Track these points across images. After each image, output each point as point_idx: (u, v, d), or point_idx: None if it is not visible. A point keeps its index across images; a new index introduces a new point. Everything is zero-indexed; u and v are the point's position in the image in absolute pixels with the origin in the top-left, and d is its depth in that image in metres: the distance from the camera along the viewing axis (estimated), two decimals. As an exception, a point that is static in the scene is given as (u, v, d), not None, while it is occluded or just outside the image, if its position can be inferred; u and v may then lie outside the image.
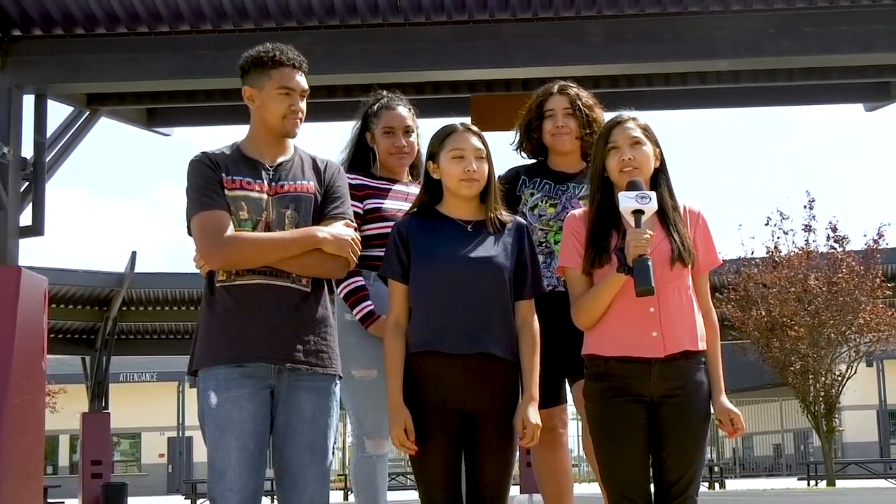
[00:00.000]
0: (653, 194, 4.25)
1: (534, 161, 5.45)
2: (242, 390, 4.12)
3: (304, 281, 4.23)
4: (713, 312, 4.39)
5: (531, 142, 5.40)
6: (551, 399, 5.18)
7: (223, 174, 4.23)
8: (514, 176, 5.33)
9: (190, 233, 4.24)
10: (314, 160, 4.42)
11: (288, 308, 4.18)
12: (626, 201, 4.22)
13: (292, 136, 4.33)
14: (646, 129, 4.40)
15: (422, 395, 4.27)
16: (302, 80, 4.32)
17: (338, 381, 4.33)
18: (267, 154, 4.32)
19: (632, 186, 4.27)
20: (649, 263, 4.10)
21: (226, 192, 4.21)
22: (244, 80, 4.34)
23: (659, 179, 4.40)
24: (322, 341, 4.24)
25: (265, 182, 4.26)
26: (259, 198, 4.23)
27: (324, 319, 4.28)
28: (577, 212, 4.50)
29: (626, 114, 4.48)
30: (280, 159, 4.32)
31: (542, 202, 5.22)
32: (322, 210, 4.31)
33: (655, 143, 4.40)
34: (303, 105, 4.33)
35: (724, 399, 4.28)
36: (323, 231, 4.21)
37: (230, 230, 4.13)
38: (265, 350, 4.13)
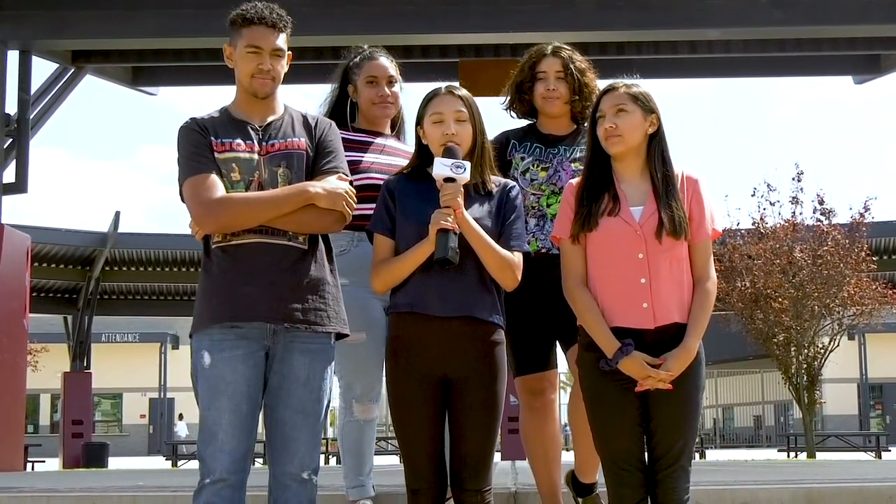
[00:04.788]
0: (468, 165, 4.26)
1: (523, 124, 5.39)
2: (237, 351, 4.08)
3: (301, 238, 4.19)
4: (708, 281, 4.31)
5: (523, 103, 5.34)
6: (542, 363, 5.16)
7: (212, 138, 4.20)
8: (503, 141, 5.27)
9: (183, 199, 4.18)
10: (305, 117, 4.38)
11: (285, 266, 4.14)
12: (441, 168, 4.23)
13: (260, 95, 4.26)
14: (636, 97, 4.35)
15: (405, 359, 4.24)
16: (276, 40, 4.23)
17: (333, 343, 4.28)
18: (255, 115, 4.28)
19: (448, 153, 4.28)
20: (449, 236, 4.12)
21: (216, 155, 4.17)
22: (228, 40, 4.30)
23: (651, 146, 4.36)
24: (320, 300, 4.21)
25: (255, 142, 4.21)
26: (250, 158, 4.18)
27: (322, 278, 4.24)
28: (575, 180, 4.48)
29: (619, 81, 4.44)
30: (269, 119, 4.28)
31: (533, 166, 5.17)
32: (314, 166, 4.26)
33: (649, 110, 4.35)
34: (278, 65, 4.25)
35: (682, 352, 4.18)
36: (315, 186, 4.16)
37: (221, 192, 4.07)
38: (263, 309, 4.09)
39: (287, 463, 4.15)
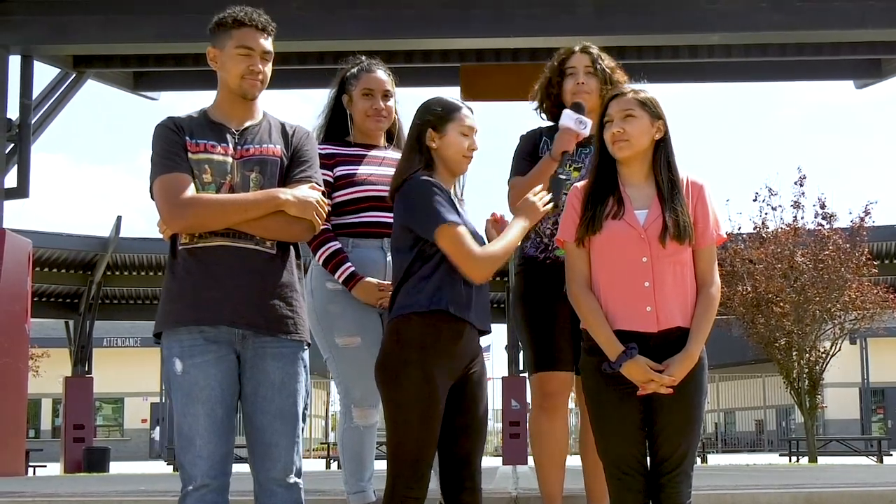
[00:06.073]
0: (589, 122, 4.84)
1: (552, 123, 5.38)
2: (208, 356, 4.08)
3: (269, 244, 4.18)
4: (712, 286, 4.32)
5: (550, 99, 5.35)
6: (558, 362, 5.15)
7: (187, 138, 4.19)
8: (535, 137, 5.31)
9: (153, 198, 4.18)
10: (283, 125, 4.37)
11: (252, 271, 4.13)
12: (566, 120, 4.94)
13: (250, 97, 4.27)
14: (644, 102, 4.37)
15: (436, 361, 4.20)
16: (265, 43, 4.26)
17: (306, 347, 4.28)
18: (234, 118, 4.27)
19: (578, 108, 4.94)
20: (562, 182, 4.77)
21: (190, 155, 4.17)
22: (210, 42, 4.28)
23: (658, 152, 4.38)
24: (287, 306, 4.20)
25: (230, 145, 4.21)
26: (223, 161, 4.18)
27: (289, 284, 4.23)
28: (580, 184, 4.49)
29: (627, 87, 4.48)
30: (247, 123, 4.28)
31: (566, 166, 5.16)
32: (288, 173, 4.26)
33: (656, 116, 4.36)
34: (266, 68, 4.27)
35: (685, 357, 4.19)
36: (286, 193, 4.16)
37: (191, 192, 4.07)
38: (228, 314, 4.09)
39: (270, 469, 4.15)
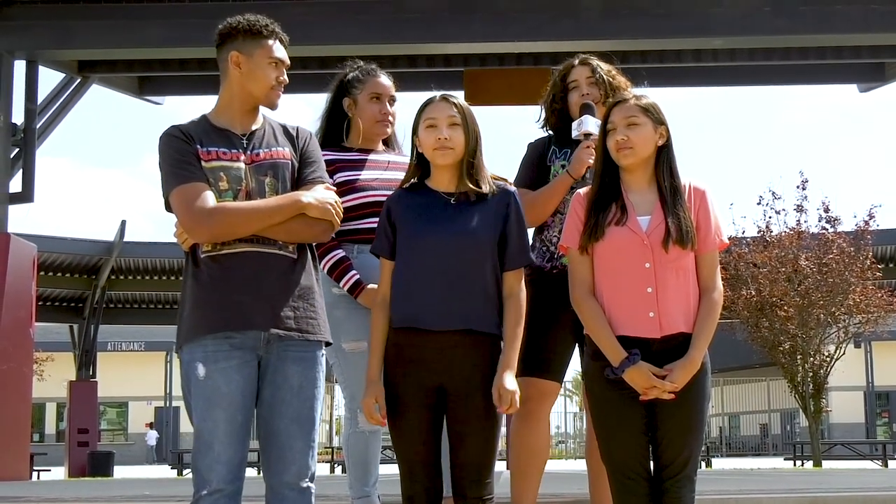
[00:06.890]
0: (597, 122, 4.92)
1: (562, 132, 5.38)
2: (231, 362, 4.07)
3: (291, 247, 4.19)
4: (714, 292, 4.30)
5: (555, 114, 5.36)
6: (536, 369, 5.12)
7: (198, 146, 4.16)
8: (544, 145, 5.31)
9: (168, 208, 4.16)
10: (284, 127, 4.37)
11: (277, 274, 4.14)
12: (591, 126, 5.00)
13: (274, 107, 4.29)
14: (647, 108, 4.35)
15: (401, 370, 4.24)
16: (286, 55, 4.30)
17: (324, 349, 4.28)
18: (238, 123, 4.26)
19: (588, 109, 5.04)
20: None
21: (202, 163, 4.14)
22: (229, 44, 4.24)
23: (660, 158, 4.37)
24: (311, 308, 4.21)
25: (240, 151, 4.20)
26: (237, 167, 4.17)
27: (311, 286, 4.24)
28: (582, 190, 4.48)
29: (628, 93, 4.46)
30: (251, 128, 4.27)
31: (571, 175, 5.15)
32: (300, 175, 4.27)
33: (658, 122, 4.35)
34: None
35: (686, 363, 4.18)
36: (307, 196, 4.17)
37: (212, 202, 4.07)
38: (256, 317, 4.08)
39: (283, 472, 4.14)
